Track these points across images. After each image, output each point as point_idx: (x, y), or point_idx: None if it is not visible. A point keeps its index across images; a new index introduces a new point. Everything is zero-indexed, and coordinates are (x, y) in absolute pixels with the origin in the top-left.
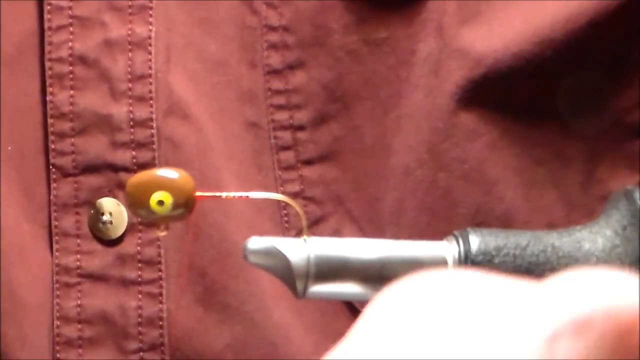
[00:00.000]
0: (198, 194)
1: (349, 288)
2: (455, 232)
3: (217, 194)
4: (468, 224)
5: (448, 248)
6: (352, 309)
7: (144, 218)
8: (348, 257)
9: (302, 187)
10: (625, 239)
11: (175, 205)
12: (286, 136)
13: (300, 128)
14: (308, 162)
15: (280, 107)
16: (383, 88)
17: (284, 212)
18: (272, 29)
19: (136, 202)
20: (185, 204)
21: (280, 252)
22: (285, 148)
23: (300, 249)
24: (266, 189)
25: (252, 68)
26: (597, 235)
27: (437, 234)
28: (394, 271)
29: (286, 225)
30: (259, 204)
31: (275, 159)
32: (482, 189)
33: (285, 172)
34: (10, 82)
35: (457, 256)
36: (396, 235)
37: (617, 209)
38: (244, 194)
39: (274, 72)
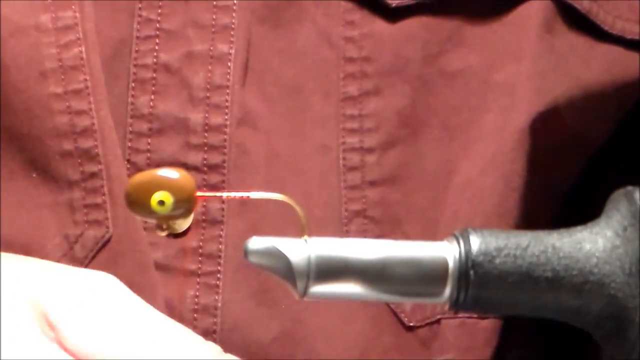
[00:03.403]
0: (199, 194)
1: (350, 288)
2: (456, 232)
3: (218, 194)
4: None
5: (449, 248)
6: (402, 323)
7: (144, 218)
8: (349, 258)
9: (365, 206)
10: (625, 239)
11: (176, 205)
12: (355, 158)
13: (369, 151)
14: (372, 184)
15: (352, 131)
16: (452, 116)
17: (345, 229)
18: (351, 60)
19: (137, 202)
20: (186, 204)
21: (281, 252)
22: (353, 169)
23: (301, 249)
24: (330, 206)
25: (326, 96)
26: (597, 236)
27: None
28: (394, 271)
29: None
30: (321, 218)
31: (342, 179)
32: (535, 203)
33: (350, 191)
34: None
35: (457, 256)
36: None
37: (617, 209)
38: (244, 194)
39: (349, 99)
